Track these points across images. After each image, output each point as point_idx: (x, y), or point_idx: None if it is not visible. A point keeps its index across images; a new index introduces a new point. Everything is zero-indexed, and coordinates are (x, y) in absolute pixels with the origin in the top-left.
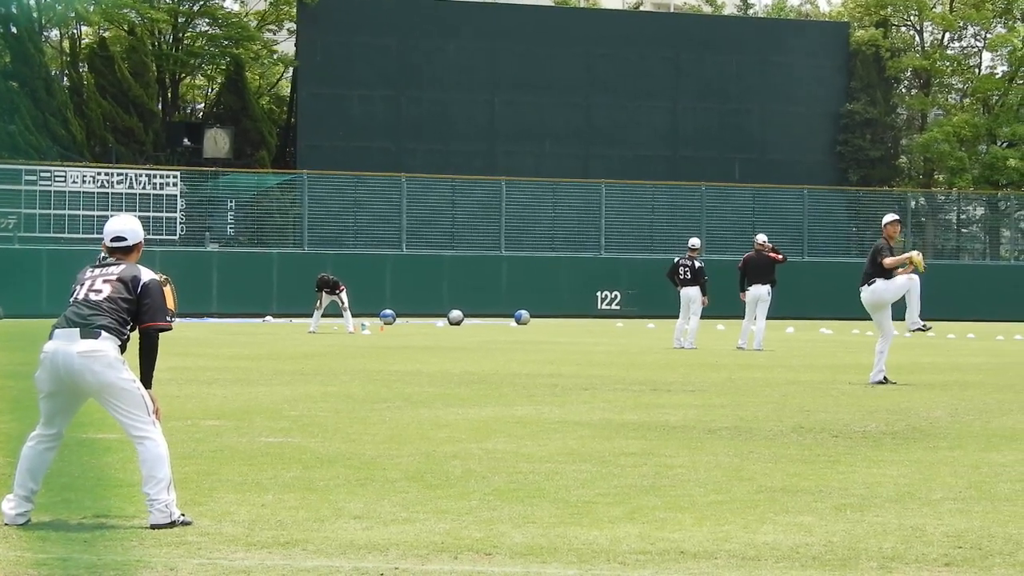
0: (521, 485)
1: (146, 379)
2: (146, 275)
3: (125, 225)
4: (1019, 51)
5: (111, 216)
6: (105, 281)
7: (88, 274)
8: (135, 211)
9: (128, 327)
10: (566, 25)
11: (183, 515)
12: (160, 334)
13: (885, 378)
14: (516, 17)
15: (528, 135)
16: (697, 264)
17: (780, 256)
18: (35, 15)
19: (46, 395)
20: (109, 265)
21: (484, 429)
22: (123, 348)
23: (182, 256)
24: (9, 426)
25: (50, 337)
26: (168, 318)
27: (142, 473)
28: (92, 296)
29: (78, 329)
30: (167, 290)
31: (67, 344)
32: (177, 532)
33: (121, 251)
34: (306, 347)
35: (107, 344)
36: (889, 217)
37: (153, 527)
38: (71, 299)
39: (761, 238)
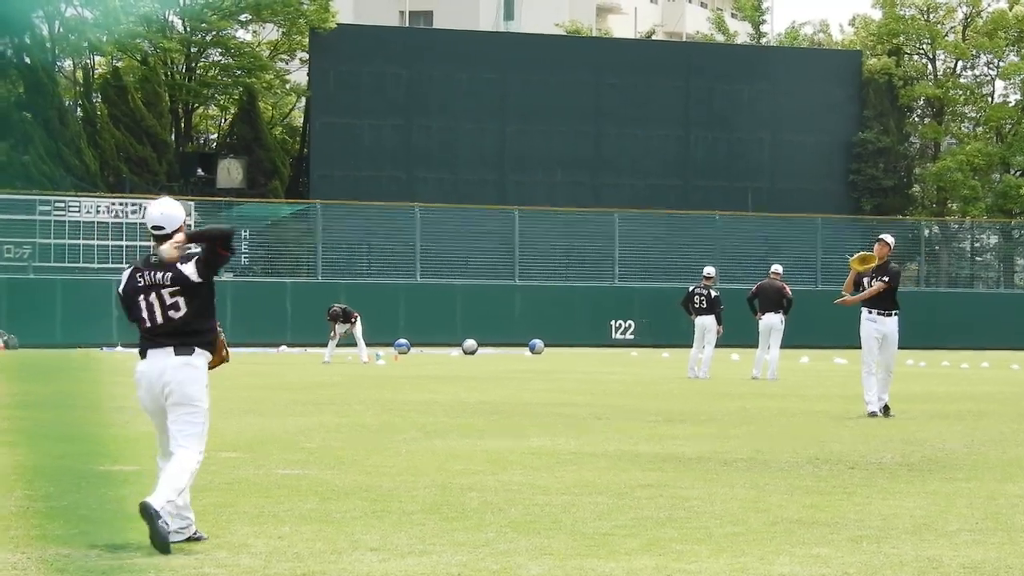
0: (537, 517)
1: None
2: (187, 269)
3: (163, 212)
4: None
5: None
6: (173, 294)
7: (143, 280)
8: (149, 242)
9: (210, 314)
10: (576, 54)
11: (167, 524)
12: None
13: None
14: (526, 46)
15: (539, 164)
16: (712, 293)
17: (788, 291)
18: (48, 45)
19: (148, 413)
20: (155, 269)
21: (500, 461)
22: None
23: None
24: (26, 458)
25: (143, 357)
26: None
27: (164, 472)
28: (173, 315)
29: (172, 347)
30: (221, 339)
31: (163, 360)
32: (195, 564)
33: (163, 239)
34: (321, 377)
35: (199, 361)
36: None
37: (141, 504)
38: (143, 316)
39: (776, 268)
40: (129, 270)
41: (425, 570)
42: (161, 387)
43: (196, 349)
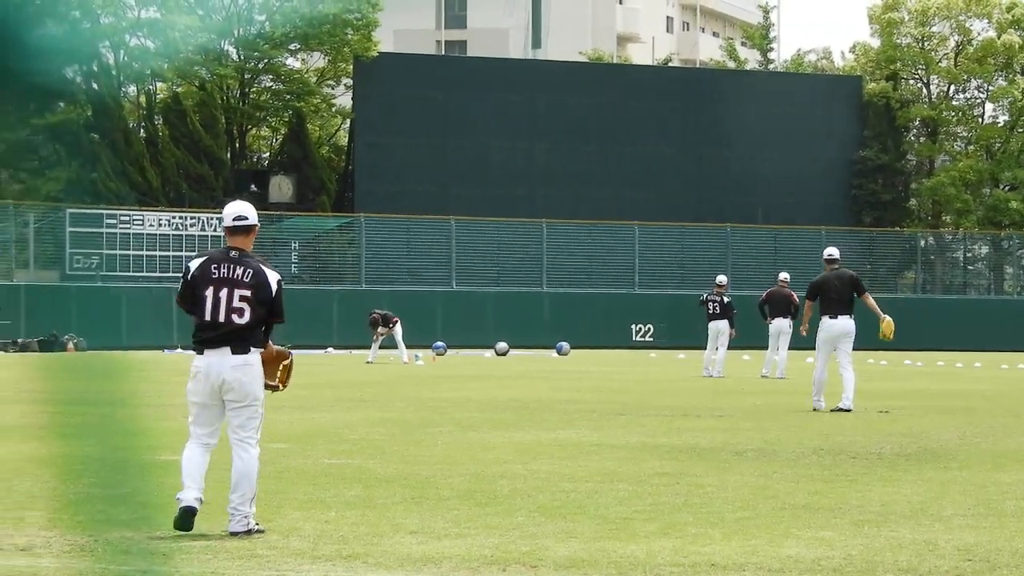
0: (563, 503)
1: (266, 340)
2: (273, 279)
3: (246, 206)
4: (1019, 102)
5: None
6: (242, 299)
7: (217, 272)
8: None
9: (263, 326)
10: (598, 79)
11: (258, 525)
12: None
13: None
14: (552, 72)
15: (565, 179)
16: (725, 299)
17: (795, 298)
18: (114, 72)
19: (198, 405)
20: (235, 264)
21: (529, 451)
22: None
23: None
24: (92, 449)
25: (200, 353)
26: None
27: (232, 480)
28: (236, 319)
29: (229, 347)
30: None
31: (220, 359)
32: (248, 546)
33: (243, 231)
34: (364, 376)
35: (255, 358)
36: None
37: (232, 534)
38: (206, 308)
39: (783, 276)
40: (203, 259)
41: (460, 552)
42: (220, 384)
43: (252, 348)
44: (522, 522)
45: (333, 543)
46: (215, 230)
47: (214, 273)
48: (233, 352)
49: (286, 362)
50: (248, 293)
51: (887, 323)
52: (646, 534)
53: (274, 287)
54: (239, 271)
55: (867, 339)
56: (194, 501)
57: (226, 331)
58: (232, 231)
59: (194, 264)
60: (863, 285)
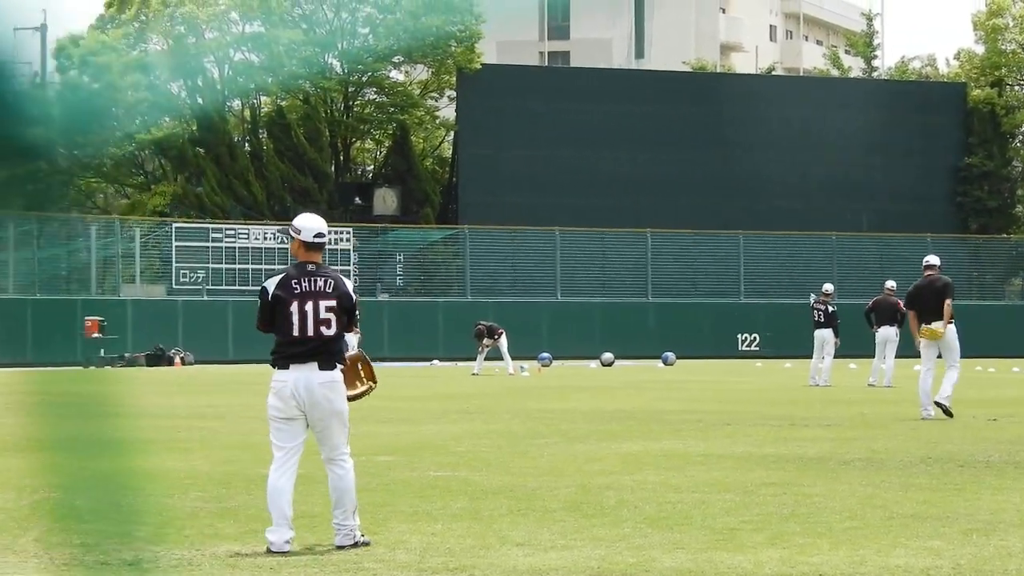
0: (670, 513)
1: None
2: (351, 287)
3: (322, 221)
4: None
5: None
6: (328, 309)
7: (299, 287)
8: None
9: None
10: (700, 88)
11: (364, 536)
12: None
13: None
14: (655, 82)
15: (669, 189)
16: (830, 308)
17: (902, 306)
18: (219, 87)
19: (281, 421)
20: (315, 276)
21: (635, 462)
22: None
23: None
24: (199, 463)
25: (284, 367)
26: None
27: (332, 498)
28: (324, 331)
29: (316, 362)
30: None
31: (308, 375)
32: (355, 558)
33: (320, 246)
34: (470, 388)
35: (339, 375)
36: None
37: (338, 548)
38: (292, 323)
39: (890, 284)
40: (279, 277)
41: (567, 563)
42: (306, 400)
43: (336, 364)
44: (628, 533)
45: (439, 556)
46: None
47: (296, 288)
48: (320, 368)
49: (360, 362)
50: (333, 303)
51: (935, 329)
52: (753, 544)
53: (354, 296)
54: (320, 283)
55: (976, 346)
56: (284, 545)
57: (314, 344)
58: (310, 247)
59: (271, 284)
60: (949, 291)
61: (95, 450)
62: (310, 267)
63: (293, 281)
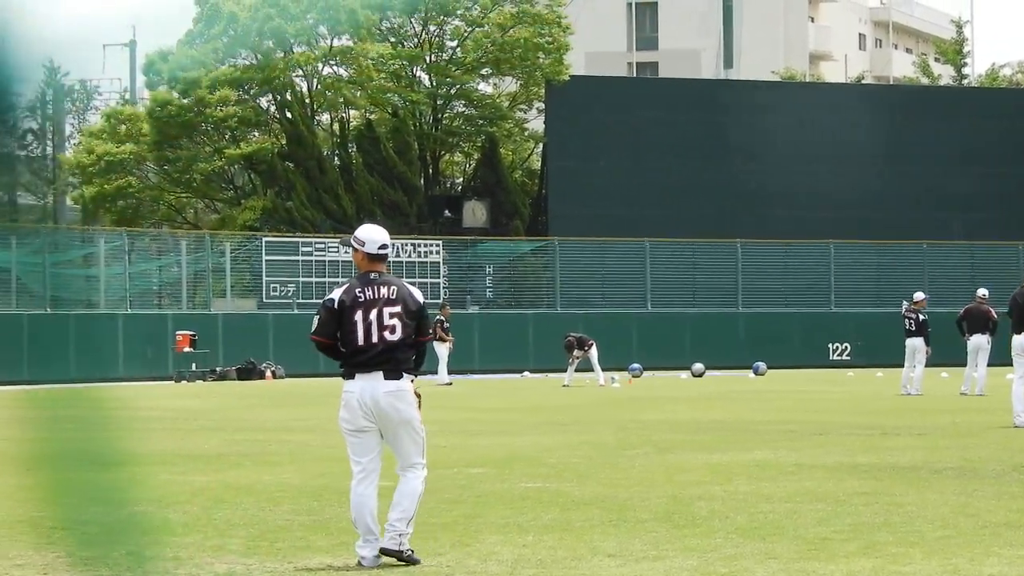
0: (762, 524)
1: (417, 368)
2: (416, 291)
3: (385, 234)
4: None
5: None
6: (392, 315)
7: (363, 295)
8: (402, 278)
9: (414, 348)
10: (787, 97)
11: (412, 550)
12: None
13: None
14: (744, 91)
15: (758, 199)
16: (921, 317)
17: (994, 314)
18: (308, 101)
19: (354, 433)
20: (378, 284)
21: (726, 472)
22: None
23: None
24: (291, 477)
25: (350, 377)
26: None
27: (394, 499)
28: (388, 336)
29: (381, 371)
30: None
31: (373, 384)
32: (446, 572)
33: (383, 258)
34: (561, 400)
35: (407, 383)
36: None
37: (382, 551)
38: (358, 332)
39: (981, 292)
40: (344, 287)
41: (658, 574)
42: (374, 410)
43: (404, 374)
44: (720, 543)
45: (531, 567)
46: (409, 256)
47: (360, 297)
48: (386, 377)
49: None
50: (397, 309)
51: None
52: (845, 554)
53: (420, 298)
54: (384, 290)
55: None
56: (373, 561)
57: (379, 351)
58: (373, 258)
59: (336, 295)
60: None
61: (188, 464)
62: (373, 275)
63: (357, 290)
